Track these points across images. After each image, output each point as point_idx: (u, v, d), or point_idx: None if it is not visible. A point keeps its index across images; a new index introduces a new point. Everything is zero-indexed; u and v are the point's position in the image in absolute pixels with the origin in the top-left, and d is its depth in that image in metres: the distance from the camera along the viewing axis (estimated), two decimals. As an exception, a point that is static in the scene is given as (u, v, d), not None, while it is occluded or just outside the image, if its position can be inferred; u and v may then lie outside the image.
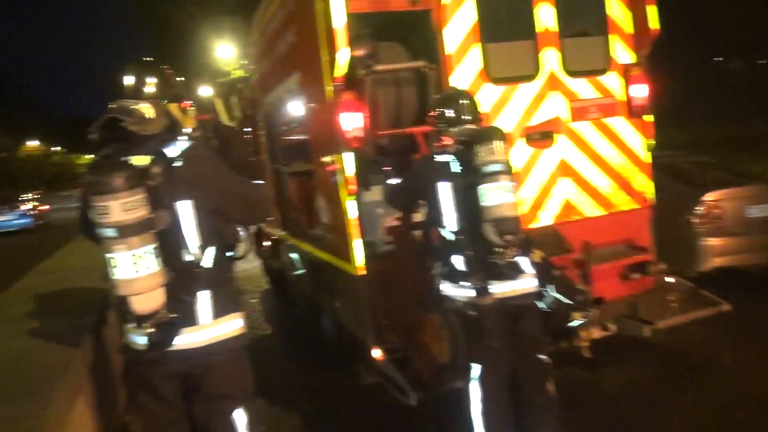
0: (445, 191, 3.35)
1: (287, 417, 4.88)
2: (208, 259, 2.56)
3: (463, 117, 3.45)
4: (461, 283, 3.33)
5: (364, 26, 4.45)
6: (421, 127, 4.68)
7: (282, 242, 7.68)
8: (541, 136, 4.84)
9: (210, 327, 2.56)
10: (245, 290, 9.44)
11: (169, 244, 2.42)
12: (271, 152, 7.33)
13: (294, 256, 6.96)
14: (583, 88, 4.96)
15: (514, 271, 3.28)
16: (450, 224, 3.37)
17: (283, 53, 5.58)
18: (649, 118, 5.13)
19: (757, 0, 25.69)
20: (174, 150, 2.49)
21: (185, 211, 2.49)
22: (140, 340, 2.49)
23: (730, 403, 4.40)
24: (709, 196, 6.54)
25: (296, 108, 5.66)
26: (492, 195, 3.07)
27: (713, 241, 6.47)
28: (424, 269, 3.87)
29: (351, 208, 4.36)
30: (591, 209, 4.99)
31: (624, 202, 5.12)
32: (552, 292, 3.59)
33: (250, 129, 9.00)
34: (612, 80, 5.05)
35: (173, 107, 2.66)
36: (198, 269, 2.52)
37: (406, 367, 4.22)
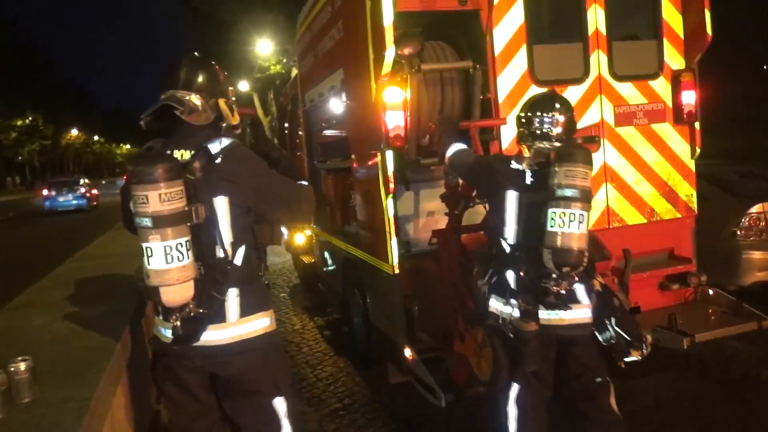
0: (512, 201, 3.13)
1: (313, 412, 4.91)
2: (239, 256, 2.56)
3: (552, 133, 3.11)
4: (510, 300, 3.13)
5: (411, 24, 4.44)
6: (487, 121, 4.60)
7: (315, 238, 7.74)
8: (585, 140, 4.75)
9: (235, 325, 2.56)
10: (275, 284, 9.52)
11: (202, 239, 2.45)
12: (309, 148, 7.38)
13: (326, 252, 7.00)
14: (630, 92, 4.87)
15: (568, 301, 3.04)
16: (509, 235, 3.16)
17: (328, 49, 5.60)
18: (697, 125, 5.03)
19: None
20: (216, 146, 2.52)
21: (221, 207, 2.51)
22: (167, 332, 2.53)
23: (767, 420, 4.29)
24: (755, 208, 6.37)
25: (338, 104, 5.68)
26: (560, 221, 2.83)
27: (756, 255, 6.29)
28: (469, 278, 3.84)
29: (389, 207, 4.36)
30: (632, 217, 4.90)
31: (666, 211, 5.02)
32: (613, 326, 3.24)
33: (286, 124, 9.10)
34: (660, 85, 4.95)
35: (222, 102, 2.68)
36: (229, 266, 2.53)
37: (437, 368, 4.20)
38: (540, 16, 4.74)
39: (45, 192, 31.40)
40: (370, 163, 4.61)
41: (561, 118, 3.11)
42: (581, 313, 3.13)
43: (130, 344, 3.39)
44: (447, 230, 4.24)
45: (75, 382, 2.58)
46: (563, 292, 2.94)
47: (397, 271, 4.39)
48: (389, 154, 4.30)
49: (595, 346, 3.27)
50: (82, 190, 31.41)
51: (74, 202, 30.74)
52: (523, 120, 3.21)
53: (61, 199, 30.67)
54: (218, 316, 2.52)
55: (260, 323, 2.64)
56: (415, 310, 4.57)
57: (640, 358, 3.27)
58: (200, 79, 2.62)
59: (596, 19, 4.73)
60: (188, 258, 2.34)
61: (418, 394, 4.32)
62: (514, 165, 3.18)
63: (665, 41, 4.96)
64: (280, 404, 2.68)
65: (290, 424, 2.71)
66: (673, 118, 4.98)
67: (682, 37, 4.99)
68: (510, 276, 3.14)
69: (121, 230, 8.23)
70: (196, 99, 2.55)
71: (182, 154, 2.49)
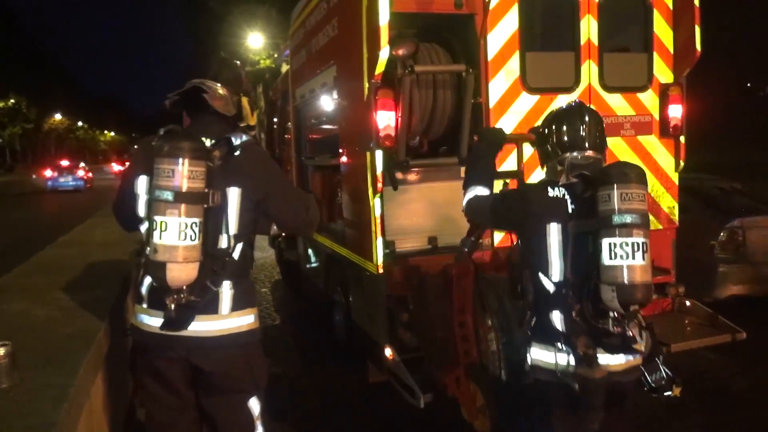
0: (556, 234, 2.64)
1: (291, 410, 4.90)
2: (237, 250, 2.58)
3: (581, 140, 2.71)
4: (559, 345, 2.63)
5: (406, 26, 4.45)
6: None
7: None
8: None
9: (226, 318, 2.56)
10: (257, 279, 9.49)
11: (208, 226, 2.46)
12: (297, 144, 7.37)
13: (310, 248, 7.00)
14: (619, 103, 4.93)
15: (631, 342, 2.61)
16: (554, 273, 2.65)
17: (322, 46, 5.60)
18: (682, 139, 5.11)
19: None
20: (237, 139, 2.58)
21: (233, 197, 2.54)
22: (150, 320, 2.53)
23: (739, 429, 4.37)
24: (733, 223, 6.48)
25: (329, 102, 5.68)
26: (621, 252, 2.41)
27: (732, 269, 6.41)
28: (483, 325, 3.72)
29: (376, 206, 4.37)
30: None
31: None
32: (662, 365, 2.85)
33: (275, 119, 9.08)
34: (648, 98, 5.01)
35: (245, 101, 2.79)
36: (227, 258, 2.54)
37: (417, 369, 4.22)
38: (534, 24, 4.78)
39: (48, 173, 38.09)
40: (358, 161, 4.62)
41: (591, 128, 2.73)
42: (636, 354, 2.69)
43: (110, 333, 3.36)
44: (465, 266, 3.90)
45: (54, 370, 2.56)
46: (630, 333, 2.56)
47: (381, 270, 4.40)
48: (378, 154, 4.31)
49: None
50: (81, 173, 38.46)
51: (72, 183, 37.10)
52: (549, 132, 2.81)
53: (62, 180, 37.23)
54: (210, 307, 2.52)
55: (248, 319, 2.64)
56: (403, 316, 4.58)
57: (679, 394, 2.96)
58: (227, 74, 2.74)
59: (589, 29, 4.78)
60: (198, 239, 2.37)
61: (398, 394, 4.34)
62: (552, 192, 2.69)
63: (655, 55, 5.03)
64: (254, 404, 2.69)
65: (262, 425, 2.72)
66: (659, 131, 5.06)
67: (671, 51, 5.06)
68: (557, 318, 2.65)
69: (103, 218, 8.20)
70: (222, 90, 2.65)
71: (203, 141, 2.54)
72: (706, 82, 18.27)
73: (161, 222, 2.32)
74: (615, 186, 2.44)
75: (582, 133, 2.71)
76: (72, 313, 3.47)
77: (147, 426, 2.73)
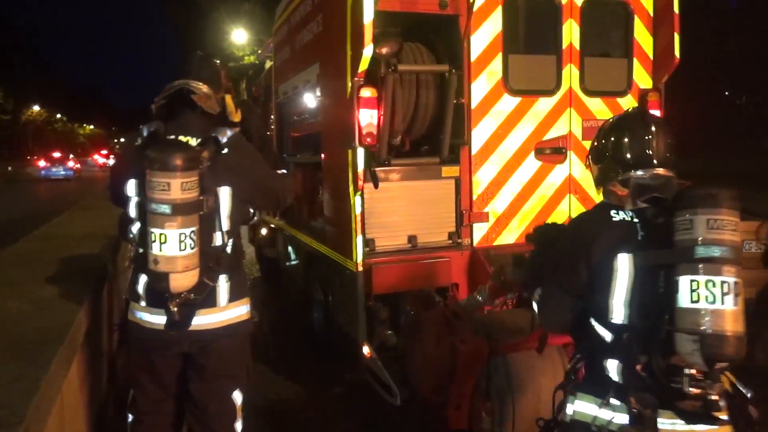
0: (624, 265, 2.13)
1: (269, 407, 4.87)
2: (230, 245, 2.67)
3: (648, 156, 2.20)
4: (611, 400, 2.17)
5: (391, 25, 4.46)
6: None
7: (279, 231, 7.69)
8: (552, 151, 4.87)
9: (225, 310, 2.67)
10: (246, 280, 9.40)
11: (203, 228, 2.52)
12: (279, 141, 7.33)
13: (290, 246, 6.97)
14: (598, 107, 4.99)
15: (710, 407, 2.05)
16: (617, 313, 2.16)
17: (305, 43, 5.59)
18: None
19: None
20: (223, 136, 2.62)
21: (224, 197, 2.60)
22: (152, 318, 2.62)
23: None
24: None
25: (312, 99, 5.66)
26: (706, 293, 1.92)
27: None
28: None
29: (357, 204, 4.37)
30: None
31: (626, 225, 5.14)
32: None
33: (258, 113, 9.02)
34: (628, 103, 5.08)
35: (228, 98, 2.85)
36: (222, 254, 2.63)
37: (394, 367, 4.23)
38: (517, 27, 4.82)
39: (42, 163, 46.30)
40: (340, 159, 4.61)
41: (659, 140, 2.22)
42: (722, 426, 2.12)
43: (84, 327, 3.31)
44: (477, 347, 3.53)
45: (26, 363, 2.51)
46: (714, 397, 2.03)
47: (360, 268, 4.40)
48: (360, 152, 4.31)
49: None
50: (71, 164, 46.94)
51: (63, 172, 43.96)
52: (606, 146, 2.32)
53: (54, 169, 44.34)
54: (208, 301, 2.62)
55: (243, 309, 2.77)
56: (381, 314, 4.58)
57: None
58: (207, 72, 2.80)
59: (571, 33, 4.83)
60: (197, 245, 2.46)
61: (375, 392, 4.34)
62: (617, 216, 2.23)
63: (635, 60, 5.09)
64: (237, 396, 2.79)
65: (242, 418, 2.82)
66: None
67: (651, 57, 5.13)
68: (612, 367, 2.17)
69: (81, 211, 8.09)
70: (206, 89, 2.69)
71: (188, 141, 2.58)
72: (686, 90, 18.57)
73: (160, 234, 2.39)
74: (698, 210, 1.97)
75: (649, 146, 2.21)
76: (45, 306, 3.41)
77: (129, 409, 2.84)
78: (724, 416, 2.08)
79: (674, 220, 2.02)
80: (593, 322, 2.21)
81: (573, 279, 2.27)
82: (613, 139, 2.29)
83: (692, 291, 1.94)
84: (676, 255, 1.99)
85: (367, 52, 4.05)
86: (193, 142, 2.57)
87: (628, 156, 2.23)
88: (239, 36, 24.80)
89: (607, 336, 2.18)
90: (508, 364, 3.48)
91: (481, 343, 3.50)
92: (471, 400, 3.65)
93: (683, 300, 1.94)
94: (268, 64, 8.15)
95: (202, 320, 2.62)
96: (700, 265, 1.93)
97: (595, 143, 2.40)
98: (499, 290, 3.54)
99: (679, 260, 1.98)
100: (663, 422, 2.08)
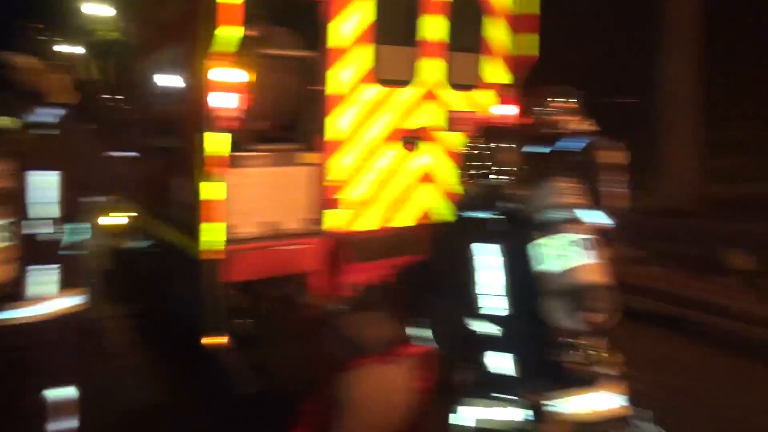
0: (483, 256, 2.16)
1: (107, 407, 4.57)
2: (64, 232, 2.54)
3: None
4: (501, 396, 2.04)
5: (259, 7, 4.34)
6: None
7: (130, 221, 7.30)
8: (411, 140, 4.99)
9: (51, 300, 2.55)
10: (87, 269, 8.80)
11: (27, 214, 2.38)
12: (130, 123, 6.92)
13: (140, 235, 6.62)
14: (460, 101, 5.17)
15: (596, 377, 1.95)
16: (492, 305, 2.11)
17: (163, 20, 5.32)
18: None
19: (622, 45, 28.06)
20: (49, 116, 2.44)
21: (51, 182, 2.42)
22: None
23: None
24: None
25: (166, 80, 5.39)
26: (557, 254, 1.92)
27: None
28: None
29: (206, 189, 4.23)
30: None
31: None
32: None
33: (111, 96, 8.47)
34: (485, 97, 5.30)
35: (60, 76, 2.65)
36: (52, 242, 2.50)
37: (239, 357, 4.19)
38: (377, 16, 4.85)
39: None
40: (191, 143, 4.43)
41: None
42: (616, 399, 2.01)
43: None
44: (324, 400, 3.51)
45: None
46: (590, 361, 1.90)
47: (208, 256, 4.26)
48: (213, 136, 4.15)
49: None
50: None
51: None
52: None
53: None
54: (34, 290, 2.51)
55: (77, 299, 2.72)
56: (233, 302, 4.45)
57: None
58: (34, 46, 2.59)
59: (434, 27, 4.96)
60: (14, 239, 2.35)
61: (221, 383, 4.27)
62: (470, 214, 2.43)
63: (494, 56, 5.34)
64: (70, 392, 2.69)
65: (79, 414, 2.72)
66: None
67: (511, 54, 5.40)
68: (501, 360, 2.06)
69: None
70: (29, 64, 2.50)
71: (3, 122, 2.40)
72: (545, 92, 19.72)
73: None
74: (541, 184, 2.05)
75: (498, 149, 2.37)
76: None
77: None
78: (611, 388, 2.00)
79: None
80: (468, 321, 2.13)
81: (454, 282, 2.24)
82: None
83: (545, 253, 1.99)
84: (525, 227, 2.08)
85: (222, 32, 3.92)
86: (10, 122, 2.38)
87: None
88: (103, 10, 23.23)
89: (486, 329, 2.09)
90: (353, 380, 3.50)
91: (336, 361, 3.51)
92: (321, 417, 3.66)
93: (544, 264, 1.98)
94: (122, 39, 7.67)
95: (26, 312, 2.50)
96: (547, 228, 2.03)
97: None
98: (396, 341, 3.31)
99: (529, 230, 2.07)
100: (558, 406, 1.97)
